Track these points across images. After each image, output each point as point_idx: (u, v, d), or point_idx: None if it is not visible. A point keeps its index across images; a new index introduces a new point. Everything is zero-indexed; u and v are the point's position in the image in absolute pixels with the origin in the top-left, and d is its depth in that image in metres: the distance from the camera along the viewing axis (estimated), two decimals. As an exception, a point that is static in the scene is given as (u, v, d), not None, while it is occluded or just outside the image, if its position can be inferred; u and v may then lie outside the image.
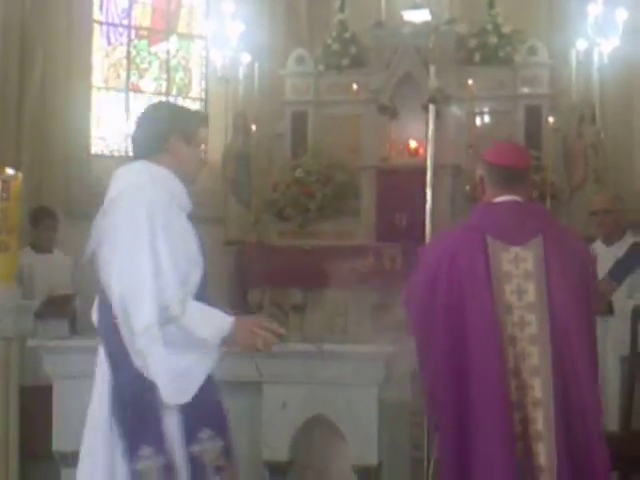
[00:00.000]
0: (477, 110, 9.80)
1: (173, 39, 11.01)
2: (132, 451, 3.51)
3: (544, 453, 3.70)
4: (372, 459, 4.55)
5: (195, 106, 10.95)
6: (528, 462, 3.71)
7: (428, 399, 3.96)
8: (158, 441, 3.51)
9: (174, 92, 10.92)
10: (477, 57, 9.96)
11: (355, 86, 9.81)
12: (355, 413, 4.55)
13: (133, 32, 10.86)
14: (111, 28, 10.69)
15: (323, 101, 10.22)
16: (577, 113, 9.47)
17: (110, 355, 3.59)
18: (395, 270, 8.94)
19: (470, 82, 9.64)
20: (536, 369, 3.72)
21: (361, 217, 9.73)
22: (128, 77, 10.73)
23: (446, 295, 3.83)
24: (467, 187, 9.51)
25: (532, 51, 9.86)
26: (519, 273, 3.80)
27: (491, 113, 9.86)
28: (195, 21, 11.10)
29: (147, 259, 3.49)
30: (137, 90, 10.77)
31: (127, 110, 10.54)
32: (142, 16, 10.93)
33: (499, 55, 9.97)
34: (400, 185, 9.38)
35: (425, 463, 4.87)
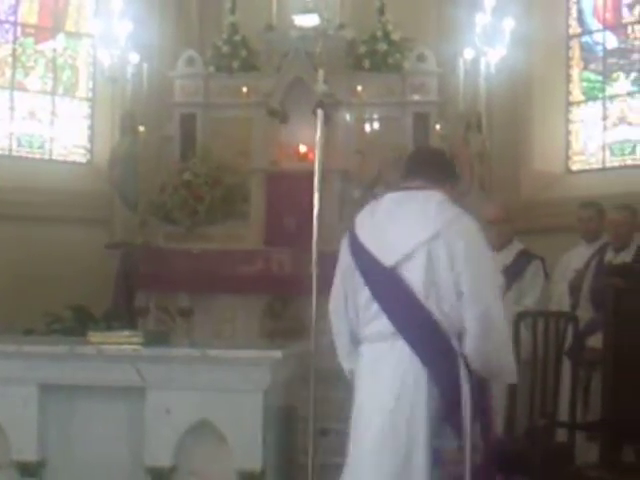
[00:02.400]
0: (366, 116, 9.84)
1: (60, 37, 10.79)
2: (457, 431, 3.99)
3: None
4: (256, 464, 4.53)
5: (82, 106, 10.78)
6: None
7: None
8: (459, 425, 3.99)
9: (60, 91, 10.70)
10: (367, 63, 10.00)
11: (245, 89, 9.75)
12: (240, 418, 4.53)
13: (19, 29, 10.61)
14: (-4, 25, 10.44)
15: (213, 104, 10.12)
16: (464, 121, 9.58)
17: (426, 351, 4.01)
18: (283, 275, 8.92)
19: (359, 88, 9.68)
20: None
21: (250, 221, 9.68)
22: (14, 75, 10.47)
23: None
24: (355, 192, 9.56)
25: (421, 59, 9.94)
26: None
27: (380, 119, 9.91)
28: (83, 19, 10.89)
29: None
30: (22, 88, 10.52)
31: (12, 108, 10.30)
32: (29, 13, 10.67)
33: (388, 62, 10.02)
34: (289, 189, 9.38)
35: (310, 469, 4.86)
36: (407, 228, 4.17)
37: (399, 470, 3.99)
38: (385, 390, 4.06)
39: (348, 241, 4.36)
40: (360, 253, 4.25)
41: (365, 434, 4.08)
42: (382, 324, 4.13)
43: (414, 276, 4.08)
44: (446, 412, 4.01)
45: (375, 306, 4.16)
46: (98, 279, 9.28)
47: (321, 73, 5.12)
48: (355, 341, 4.29)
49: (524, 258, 6.66)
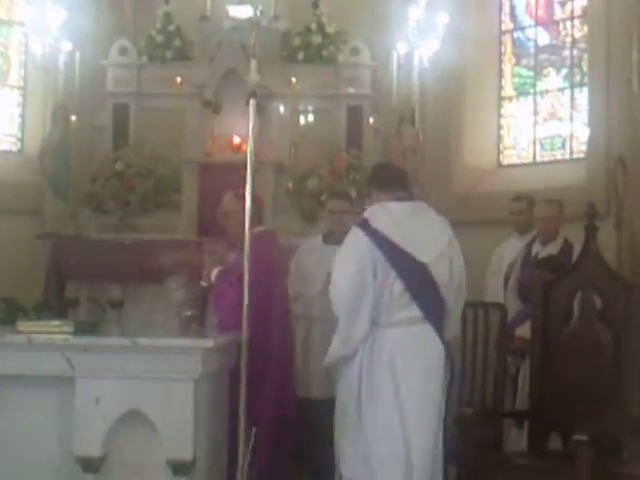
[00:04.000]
0: (300, 108, 9.84)
1: (-8, 25, 10.64)
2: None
3: None
4: (187, 454, 4.52)
5: (13, 95, 10.63)
6: None
7: None
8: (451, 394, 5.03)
9: (-8, 79, 10.55)
10: (301, 56, 10.03)
11: (179, 79, 9.68)
12: (170, 408, 4.51)
13: (-50, 16, 10.45)
14: None
15: (146, 93, 10.06)
16: (397, 115, 9.64)
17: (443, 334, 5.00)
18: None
19: (293, 80, 9.68)
20: None
21: (182, 211, 9.65)
22: (-55, 63, 10.31)
23: None
24: (289, 184, 9.57)
25: (355, 52, 9.99)
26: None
27: (314, 111, 9.93)
28: (15, 6, 10.73)
29: None
30: (-47, 76, 10.36)
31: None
32: (-40, 0, 10.52)
33: (322, 54, 10.06)
34: (222, 180, 9.29)
35: (240, 459, 4.86)
36: (433, 233, 5.16)
37: (436, 428, 4.90)
38: (418, 364, 4.92)
39: (369, 236, 5.01)
40: (391, 249, 4.99)
41: (403, 400, 4.88)
42: (413, 311, 4.96)
43: (441, 273, 5.03)
44: (449, 383, 5.01)
45: (407, 295, 4.96)
46: (28, 270, 9.18)
47: (254, 63, 5.11)
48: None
49: None
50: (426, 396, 4.91)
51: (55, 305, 8.49)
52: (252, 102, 4.96)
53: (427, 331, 4.98)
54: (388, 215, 5.12)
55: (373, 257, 4.97)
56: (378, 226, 5.04)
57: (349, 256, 5.07)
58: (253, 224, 5.31)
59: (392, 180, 5.36)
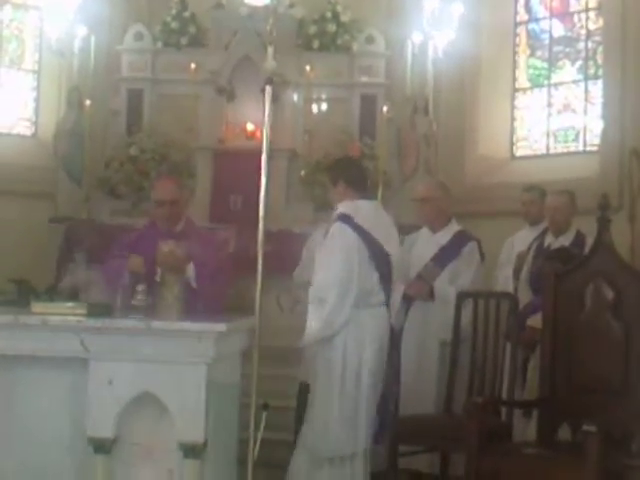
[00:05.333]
0: (314, 96, 9.86)
1: (7, 8, 10.65)
2: None
3: None
4: (198, 437, 4.55)
5: (28, 79, 10.66)
6: None
7: None
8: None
9: (6, 63, 10.56)
10: (316, 44, 10.03)
11: (193, 66, 9.71)
12: (183, 391, 4.54)
13: (-36, 0, 10.47)
14: (-60, -5, 10.28)
15: (160, 79, 10.09)
16: (411, 104, 9.65)
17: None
18: (228, 252, 8.91)
19: (308, 68, 9.70)
20: None
21: (196, 198, 9.67)
22: (-42, 47, 10.34)
23: None
24: (302, 172, 9.59)
25: (369, 40, 10.00)
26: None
27: (328, 100, 9.94)
28: (31, -9, 10.78)
29: None
30: (-33, 60, 10.39)
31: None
32: (-26, -15, 10.53)
33: (337, 43, 10.07)
34: (236, 167, 9.38)
35: (251, 443, 4.89)
36: (391, 230, 5.91)
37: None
38: (381, 339, 5.77)
39: (355, 231, 5.66)
40: (372, 243, 5.70)
41: (362, 369, 5.68)
42: (380, 296, 5.77)
43: (395, 264, 5.84)
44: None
45: (380, 283, 5.75)
46: (42, 253, 9.22)
47: (270, 50, 5.11)
48: None
49: (460, 239, 6.71)
50: (379, 367, 5.74)
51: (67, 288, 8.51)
52: (268, 89, 4.96)
53: (385, 312, 5.81)
54: (362, 212, 5.77)
55: (359, 250, 5.66)
56: (359, 221, 5.70)
57: (337, 249, 5.66)
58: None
59: (362, 178, 6.05)
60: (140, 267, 5.59)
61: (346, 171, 5.99)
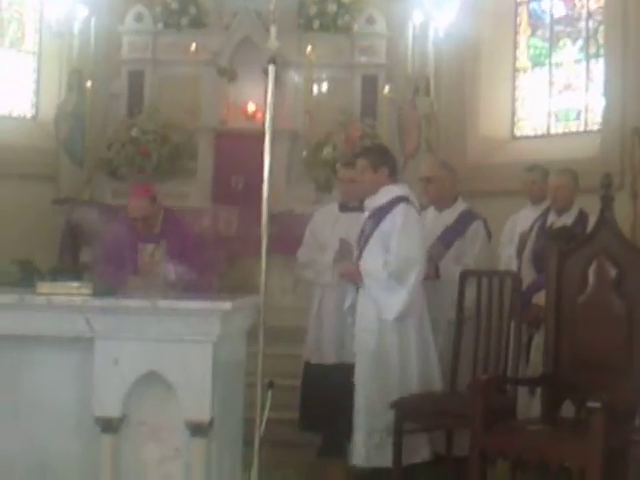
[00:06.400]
0: (315, 77, 9.85)
1: (7, -10, 10.63)
2: None
3: None
4: (205, 415, 4.55)
5: (28, 60, 10.64)
6: None
7: None
8: None
9: (7, 45, 10.54)
10: (316, 24, 10.02)
11: (194, 47, 9.70)
12: (189, 370, 4.54)
13: (-37, -18, 10.43)
14: (-61, -23, 10.24)
15: (161, 60, 10.09)
16: (412, 84, 9.65)
17: None
18: (230, 233, 8.94)
19: (309, 49, 9.68)
20: None
21: (197, 179, 9.69)
22: (-42, 28, 10.32)
23: None
24: (304, 152, 9.59)
25: (370, 21, 9.99)
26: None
27: (329, 80, 9.94)
28: (31, -28, 10.75)
29: None
30: (-33, 41, 10.37)
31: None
32: (-27, -33, 10.50)
33: (338, 23, 10.06)
34: (237, 148, 9.39)
35: (258, 422, 4.91)
36: None
37: None
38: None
39: (417, 212, 6.16)
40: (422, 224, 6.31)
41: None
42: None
43: None
44: None
45: None
46: (44, 235, 9.23)
47: (273, 29, 5.10)
48: None
49: (466, 218, 6.71)
50: None
51: (71, 269, 8.53)
52: (271, 68, 4.94)
53: None
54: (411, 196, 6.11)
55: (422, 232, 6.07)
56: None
57: (415, 230, 5.96)
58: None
59: (397, 167, 6.40)
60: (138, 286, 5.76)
61: (390, 159, 6.24)
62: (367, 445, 5.86)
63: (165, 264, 5.78)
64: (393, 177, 6.14)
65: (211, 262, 6.31)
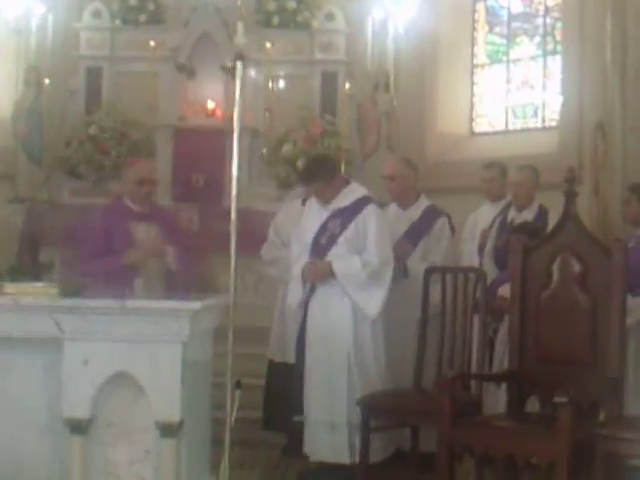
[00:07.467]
0: (275, 73, 9.83)
1: (-40, -14, 10.48)
2: None
3: None
4: (174, 416, 4.54)
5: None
6: None
7: None
8: None
9: (-38, 42, 10.39)
10: (276, 20, 10.00)
11: (152, 43, 9.64)
12: (158, 370, 4.52)
13: None
14: None
15: (119, 57, 10.02)
16: (372, 81, 9.66)
17: None
18: (191, 230, 8.89)
19: (268, 45, 9.66)
20: None
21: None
22: None
23: None
24: (264, 150, 9.57)
25: (329, 17, 9.98)
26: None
27: (288, 77, 9.93)
28: (-14, -32, 10.60)
29: None
30: None
31: None
32: None
33: (297, 20, 10.04)
34: (197, 146, 9.37)
35: (228, 421, 4.89)
36: None
37: None
38: None
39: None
40: None
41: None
42: None
43: None
44: None
45: None
46: (2, 235, 9.12)
47: (240, 26, 5.09)
48: None
49: (431, 214, 6.72)
50: None
51: (30, 270, 8.44)
52: (239, 64, 4.92)
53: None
54: None
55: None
56: None
57: (387, 230, 6.15)
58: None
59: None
60: (138, 259, 5.76)
61: (334, 165, 6.55)
62: (324, 439, 5.90)
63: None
64: (346, 176, 6.47)
65: (203, 245, 6.47)
